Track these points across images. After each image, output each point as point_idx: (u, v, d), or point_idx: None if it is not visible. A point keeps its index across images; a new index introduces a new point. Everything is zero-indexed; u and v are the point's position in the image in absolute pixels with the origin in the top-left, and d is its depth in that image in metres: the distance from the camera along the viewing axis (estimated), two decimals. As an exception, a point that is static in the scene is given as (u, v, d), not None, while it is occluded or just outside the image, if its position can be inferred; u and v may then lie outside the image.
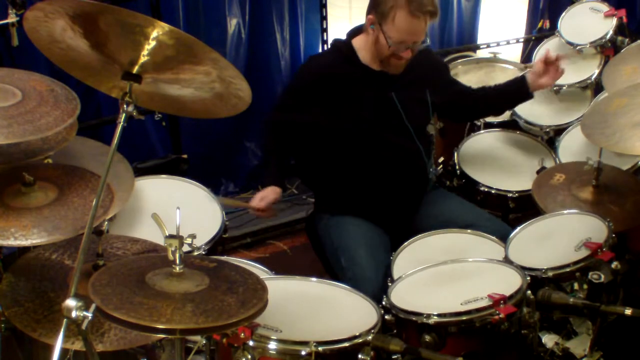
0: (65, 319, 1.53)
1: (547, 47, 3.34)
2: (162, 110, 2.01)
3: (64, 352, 1.73)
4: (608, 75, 2.70)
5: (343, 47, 2.56)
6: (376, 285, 2.27)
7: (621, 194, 2.43)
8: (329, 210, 2.63)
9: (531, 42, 4.39)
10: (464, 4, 4.47)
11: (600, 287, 2.01)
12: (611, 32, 3.11)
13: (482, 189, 2.85)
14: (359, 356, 1.78)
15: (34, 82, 2.04)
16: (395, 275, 2.26)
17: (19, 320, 1.82)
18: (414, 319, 1.90)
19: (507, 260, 2.12)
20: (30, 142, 2.08)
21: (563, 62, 2.68)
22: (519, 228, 2.31)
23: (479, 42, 4.56)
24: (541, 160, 2.86)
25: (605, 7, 3.20)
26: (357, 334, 1.80)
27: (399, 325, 1.95)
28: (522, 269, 2.04)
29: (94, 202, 1.64)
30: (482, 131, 3.13)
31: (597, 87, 3.11)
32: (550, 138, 3.09)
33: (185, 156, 3.50)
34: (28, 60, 3.00)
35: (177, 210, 1.65)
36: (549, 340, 2.05)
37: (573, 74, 3.13)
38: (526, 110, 3.14)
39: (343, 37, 2.61)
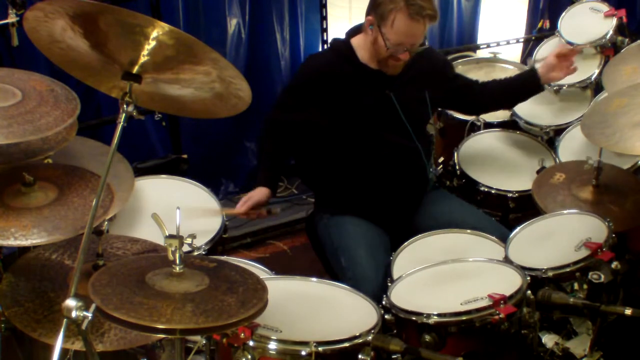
0: (65, 319, 1.53)
1: (547, 47, 3.35)
2: (162, 110, 2.01)
3: (64, 352, 1.73)
4: (608, 75, 2.70)
5: (342, 46, 2.56)
6: (376, 285, 2.27)
7: (621, 194, 2.43)
8: (329, 210, 2.62)
9: (531, 42, 4.39)
10: (464, 4, 4.46)
11: (600, 287, 2.01)
12: (611, 32, 3.11)
13: (482, 189, 2.85)
14: (359, 356, 1.78)
15: (34, 82, 2.04)
16: (395, 275, 2.26)
17: (19, 320, 1.82)
18: (414, 318, 1.90)
19: (507, 260, 2.12)
20: (30, 142, 2.08)
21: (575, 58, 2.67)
22: (519, 228, 2.31)
23: (479, 42, 4.55)
24: (541, 160, 2.86)
25: (605, 7, 3.20)
26: (357, 334, 1.80)
27: (399, 325, 1.96)
28: (522, 269, 2.04)
29: (94, 202, 1.64)
30: (482, 131, 3.13)
31: (597, 87, 3.11)
32: (550, 138, 3.08)
33: (185, 156, 3.50)
34: (28, 60, 3.00)
35: (177, 210, 1.65)
36: (549, 340, 2.05)
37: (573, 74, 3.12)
38: (526, 110, 3.14)
39: (343, 37, 2.61)
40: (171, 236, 1.61)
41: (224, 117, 1.87)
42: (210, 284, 1.61)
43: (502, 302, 1.86)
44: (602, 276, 2.01)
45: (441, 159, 3.10)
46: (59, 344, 1.55)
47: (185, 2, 3.67)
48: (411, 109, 2.55)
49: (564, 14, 3.33)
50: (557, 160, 2.90)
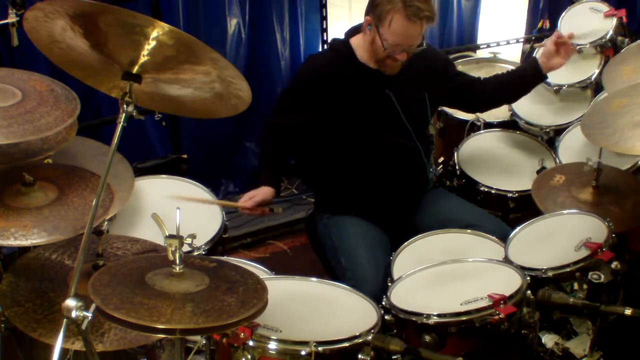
0: (65, 319, 1.53)
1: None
2: (162, 110, 2.01)
3: (64, 352, 1.73)
4: (608, 75, 2.69)
5: (341, 47, 2.56)
6: (376, 285, 2.27)
7: (621, 195, 2.43)
8: (329, 210, 2.63)
9: (531, 42, 4.38)
10: (464, 4, 4.46)
11: (600, 287, 2.01)
12: (611, 32, 3.11)
13: (482, 189, 2.85)
14: (359, 356, 1.78)
15: (34, 82, 2.04)
16: (395, 275, 2.26)
17: (19, 320, 1.82)
18: (414, 319, 1.90)
19: (507, 260, 2.12)
20: (30, 142, 2.09)
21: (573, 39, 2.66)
22: (519, 228, 2.31)
23: (479, 42, 4.55)
24: (541, 160, 2.86)
25: (605, 7, 3.20)
26: (357, 334, 1.80)
27: (399, 325, 1.96)
28: (522, 269, 2.04)
29: (94, 202, 1.65)
30: (482, 131, 3.13)
31: (597, 87, 3.10)
32: (550, 138, 3.08)
33: (185, 156, 3.50)
34: (28, 60, 3.00)
35: (177, 210, 1.65)
36: (549, 340, 2.05)
37: (573, 74, 3.12)
38: (526, 110, 3.14)
39: (342, 37, 2.61)
40: (171, 236, 1.61)
41: (224, 117, 1.87)
42: (210, 284, 1.61)
43: (502, 302, 1.86)
44: (602, 276, 2.00)
45: (441, 159, 3.10)
46: (59, 344, 1.55)
47: (185, 2, 3.67)
48: (411, 108, 2.55)
49: (564, 14, 3.32)
50: (557, 160, 2.90)
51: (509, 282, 1.96)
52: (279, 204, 2.59)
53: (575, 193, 2.47)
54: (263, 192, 2.49)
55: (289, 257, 3.54)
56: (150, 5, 3.33)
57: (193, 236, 1.64)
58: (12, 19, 2.80)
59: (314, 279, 2.12)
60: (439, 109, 3.16)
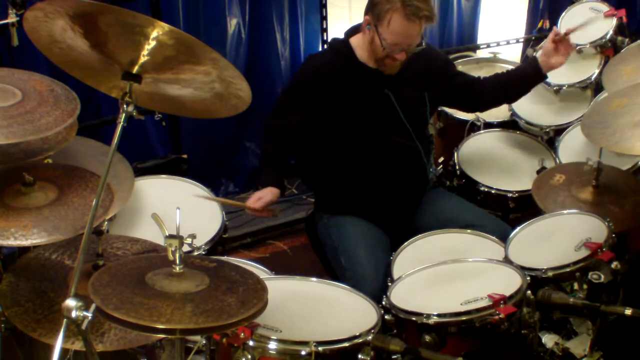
0: (65, 319, 1.53)
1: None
2: (162, 110, 2.01)
3: (64, 352, 1.73)
4: (608, 75, 2.69)
5: (341, 46, 2.56)
6: (376, 285, 2.27)
7: (621, 194, 2.43)
8: (329, 210, 2.63)
9: (531, 42, 4.38)
10: (464, 4, 4.46)
11: (600, 287, 2.01)
12: (611, 32, 3.11)
13: (482, 189, 2.85)
14: (359, 356, 1.78)
15: (34, 82, 2.04)
16: (395, 275, 2.26)
17: (19, 320, 1.82)
18: (414, 319, 1.90)
19: (507, 260, 2.12)
20: (30, 142, 2.09)
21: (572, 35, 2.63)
22: (519, 228, 2.31)
23: (479, 42, 4.54)
24: (541, 160, 2.86)
25: (605, 7, 3.20)
26: (357, 334, 1.80)
27: (399, 325, 1.96)
28: (522, 269, 2.04)
29: (94, 202, 1.64)
30: (482, 131, 3.13)
31: (597, 87, 3.10)
32: (550, 138, 3.08)
33: (185, 156, 3.50)
34: (28, 60, 3.00)
35: (177, 210, 1.65)
36: (549, 340, 2.05)
37: (573, 74, 3.13)
38: (526, 110, 3.14)
39: (341, 37, 2.61)
40: (171, 236, 1.61)
41: (224, 117, 1.87)
42: (210, 284, 1.61)
43: (502, 302, 1.86)
44: (602, 276, 2.00)
45: (441, 159, 3.10)
46: (59, 344, 1.55)
47: (185, 2, 3.67)
48: (410, 108, 2.55)
49: (564, 14, 3.33)
50: (557, 160, 2.90)
51: (509, 282, 1.96)
52: (277, 205, 2.59)
53: (575, 192, 2.47)
54: (269, 194, 2.49)
55: (289, 257, 3.54)
56: (150, 5, 3.33)
57: (193, 236, 1.64)
58: (12, 19, 2.80)
59: (314, 279, 2.12)
60: (439, 109, 3.16)
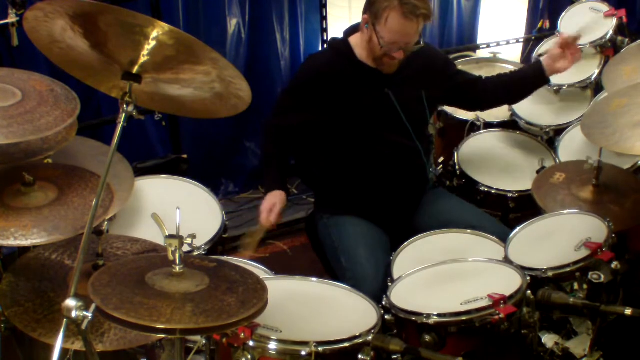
0: (65, 319, 1.53)
1: (547, 47, 3.35)
2: (162, 110, 2.01)
3: (64, 352, 1.73)
4: (608, 75, 2.69)
5: (340, 45, 2.56)
6: (376, 285, 2.27)
7: (621, 194, 2.43)
8: (329, 210, 2.63)
9: (531, 42, 4.39)
10: (464, 4, 4.46)
11: (600, 287, 2.01)
12: (611, 32, 3.11)
13: (482, 189, 2.85)
14: (359, 356, 1.78)
15: (34, 82, 2.04)
16: (395, 275, 2.26)
17: (19, 320, 1.82)
18: (414, 319, 1.90)
19: (507, 260, 2.12)
20: (30, 142, 2.09)
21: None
22: (518, 228, 2.31)
23: (479, 42, 4.55)
24: (541, 160, 2.86)
25: (605, 7, 3.20)
26: (357, 334, 1.80)
27: (399, 325, 1.95)
28: (522, 269, 2.04)
29: (94, 202, 1.64)
30: (482, 131, 3.13)
31: (597, 87, 3.10)
32: (550, 138, 3.08)
33: (185, 156, 3.50)
34: (28, 60, 3.00)
35: (177, 210, 1.65)
36: (549, 340, 2.05)
37: (573, 74, 3.11)
38: (526, 110, 3.14)
39: (340, 36, 2.61)
40: (171, 236, 1.61)
41: (224, 117, 1.87)
42: (210, 284, 1.61)
43: (502, 302, 1.86)
44: (602, 276, 2.00)
45: (441, 159, 3.09)
46: (59, 344, 1.55)
47: (185, 2, 3.67)
48: (410, 108, 2.55)
49: (564, 14, 3.33)
50: (557, 160, 2.90)
51: (509, 282, 1.96)
52: None
53: (575, 191, 2.47)
54: (279, 199, 2.47)
55: (289, 257, 3.54)
56: (150, 5, 3.33)
57: (193, 236, 1.64)
58: (12, 19, 2.80)
59: (314, 279, 2.12)
60: (439, 108, 3.16)
